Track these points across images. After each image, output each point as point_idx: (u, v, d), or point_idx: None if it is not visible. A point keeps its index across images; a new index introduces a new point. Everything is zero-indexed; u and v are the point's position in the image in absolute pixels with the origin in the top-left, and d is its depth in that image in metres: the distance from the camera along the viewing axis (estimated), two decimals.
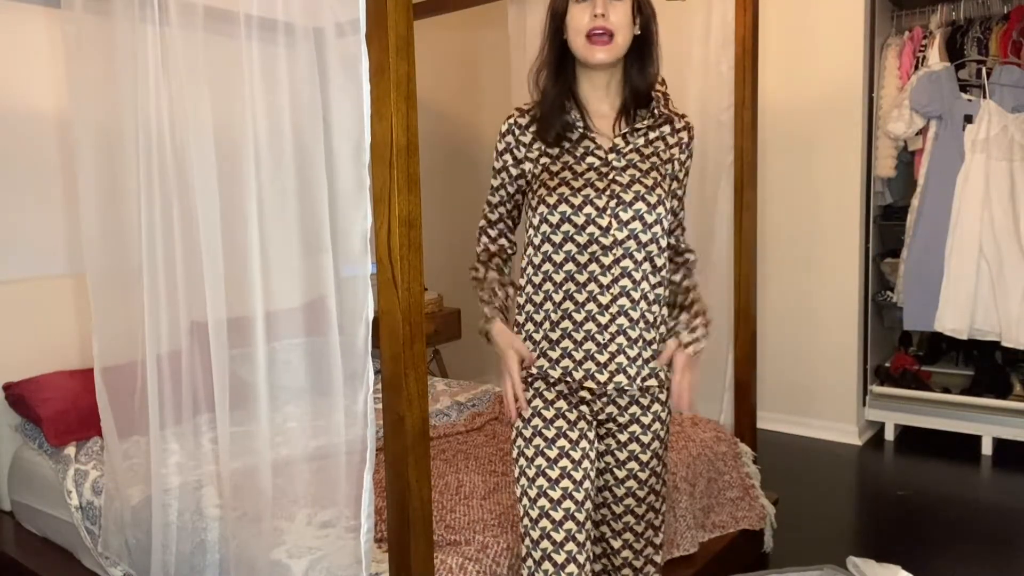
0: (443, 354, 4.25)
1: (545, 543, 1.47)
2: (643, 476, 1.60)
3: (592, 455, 1.52)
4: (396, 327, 1.40)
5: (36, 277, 2.79)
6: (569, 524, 1.47)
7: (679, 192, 1.65)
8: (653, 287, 1.53)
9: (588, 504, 1.49)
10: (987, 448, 3.66)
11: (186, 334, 2.06)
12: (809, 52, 3.82)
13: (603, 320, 1.50)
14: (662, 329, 1.58)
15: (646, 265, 1.51)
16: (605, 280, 1.49)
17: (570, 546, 1.46)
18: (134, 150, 2.05)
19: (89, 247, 2.17)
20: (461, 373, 4.48)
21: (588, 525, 1.50)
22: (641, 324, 1.52)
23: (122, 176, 2.13)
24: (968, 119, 3.54)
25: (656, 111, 1.59)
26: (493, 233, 1.67)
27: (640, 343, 1.52)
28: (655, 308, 1.55)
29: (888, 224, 4.03)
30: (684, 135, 1.63)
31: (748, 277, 2.67)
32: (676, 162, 1.61)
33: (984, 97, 3.53)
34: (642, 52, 1.55)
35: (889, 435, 3.94)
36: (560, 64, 1.55)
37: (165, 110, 1.97)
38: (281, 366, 1.84)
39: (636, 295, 1.50)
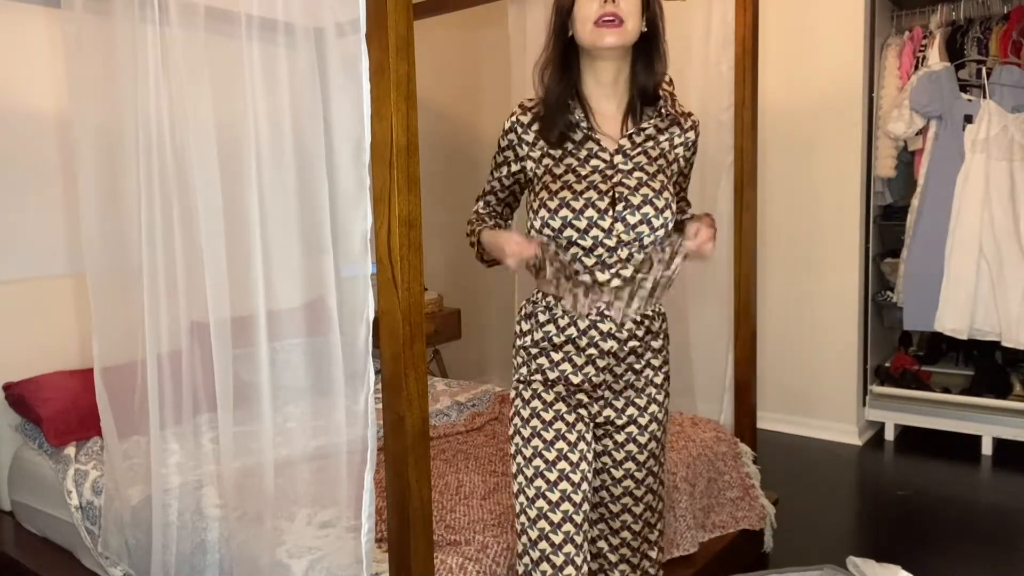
0: (443, 354, 4.25)
1: (543, 544, 1.47)
2: (640, 475, 1.61)
3: (589, 457, 1.52)
4: (396, 327, 1.40)
5: (36, 277, 2.79)
6: (567, 527, 1.46)
7: (684, 183, 1.67)
8: None
9: (586, 506, 1.49)
10: (987, 448, 3.66)
11: (186, 334, 2.06)
12: (809, 52, 3.82)
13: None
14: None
15: None
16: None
17: (568, 548, 1.46)
18: (134, 150, 2.05)
19: (89, 247, 2.17)
20: (461, 373, 4.48)
21: (586, 527, 1.50)
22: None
23: (122, 176, 2.13)
24: (968, 119, 3.54)
25: (664, 111, 1.57)
26: (490, 221, 1.67)
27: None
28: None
29: (888, 224, 4.03)
30: (691, 134, 1.62)
31: (748, 277, 2.67)
32: (682, 160, 1.61)
33: (984, 97, 3.53)
34: (649, 49, 1.52)
35: (889, 435, 3.94)
36: (565, 60, 1.52)
37: (165, 110, 1.97)
38: (281, 366, 1.84)
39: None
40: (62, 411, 2.51)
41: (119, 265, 2.16)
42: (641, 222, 1.47)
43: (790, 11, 3.84)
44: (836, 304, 3.90)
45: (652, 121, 1.56)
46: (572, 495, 1.47)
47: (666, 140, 1.57)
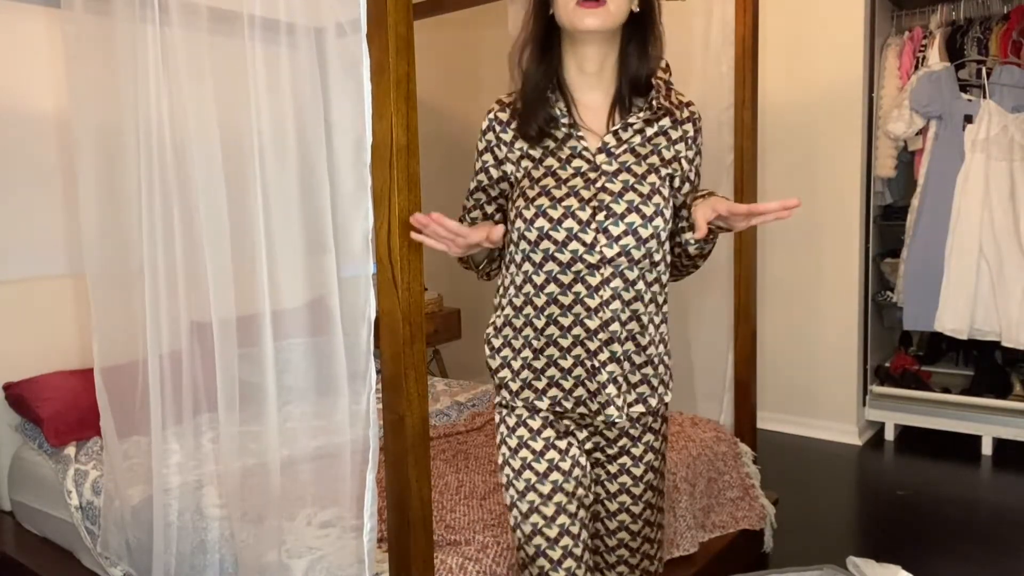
0: (443, 354, 4.25)
1: None
2: (636, 510, 1.46)
3: (586, 482, 1.42)
4: (396, 327, 1.40)
5: (36, 277, 2.78)
6: (569, 562, 1.38)
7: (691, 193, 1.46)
8: (647, 306, 1.36)
9: (585, 535, 1.41)
10: (987, 448, 3.66)
11: (186, 334, 2.06)
12: (809, 52, 3.82)
13: (592, 346, 1.34)
14: (660, 350, 1.41)
15: (640, 285, 1.34)
16: (593, 303, 1.32)
17: None
18: (134, 150, 2.05)
19: (89, 247, 2.17)
20: (461, 373, 4.48)
21: (587, 557, 1.41)
22: (632, 349, 1.36)
23: (122, 176, 2.13)
24: (968, 119, 3.54)
25: (655, 103, 1.37)
26: None
27: (632, 370, 1.37)
28: (650, 330, 1.38)
29: (888, 224, 4.03)
30: (689, 127, 1.40)
31: (748, 277, 2.67)
32: (684, 161, 1.39)
33: (984, 97, 3.53)
34: (642, 31, 1.35)
35: (889, 435, 3.94)
36: (546, 43, 1.35)
37: (165, 110, 1.97)
38: (283, 366, 1.84)
39: (624, 316, 1.34)
40: (62, 411, 2.51)
41: (119, 265, 2.16)
42: (626, 233, 1.30)
43: (790, 11, 3.84)
44: (836, 304, 3.90)
45: (641, 114, 1.37)
46: (571, 528, 1.38)
47: (659, 134, 1.37)
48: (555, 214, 1.31)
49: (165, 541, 2.05)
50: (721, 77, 2.71)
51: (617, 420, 1.37)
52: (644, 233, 1.31)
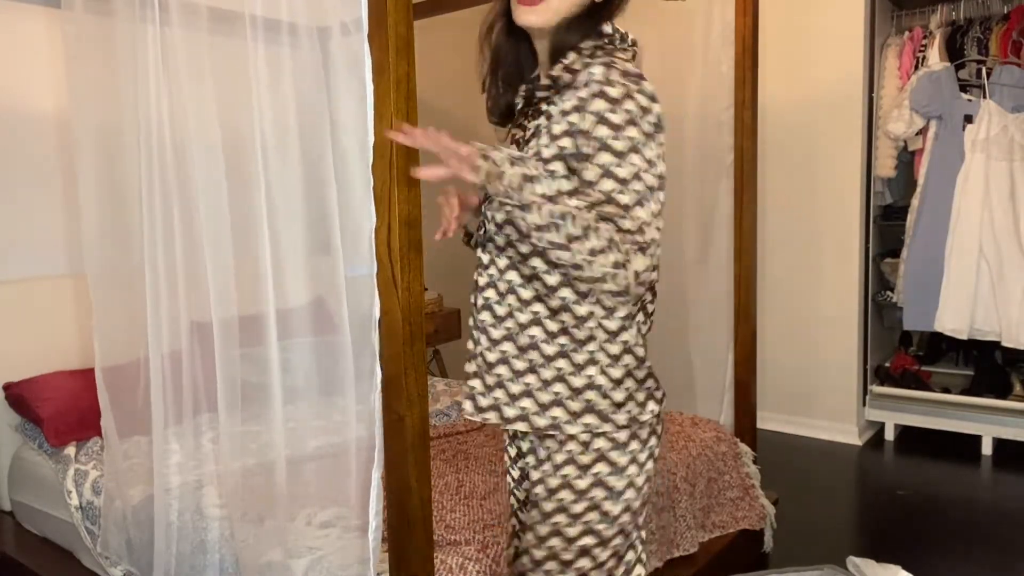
0: (443, 354, 4.25)
1: None
2: (539, 554, 1.28)
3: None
4: (396, 327, 1.40)
5: (36, 277, 2.79)
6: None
7: (590, 177, 1.13)
8: (503, 296, 1.25)
9: None
10: (987, 448, 3.66)
11: (186, 334, 2.06)
12: (809, 52, 3.82)
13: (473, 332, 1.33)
14: (561, 365, 1.21)
15: (492, 270, 1.28)
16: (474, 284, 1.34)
17: None
18: (134, 150, 2.05)
19: (89, 247, 2.17)
20: (461, 373, 4.48)
21: None
22: (485, 344, 1.27)
23: (122, 176, 2.13)
24: (968, 119, 3.54)
25: (550, 76, 1.21)
26: None
27: (513, 378, 1.24)
28: (507, 324, 1.24)
29: (888, 224, 4.03)
30: (584, 92, 1.12)
31: (748, 277, 2.67)
32: (579, 136, 1.13)
33: (984, 97, 3.53)
34: (597, 20, 1.22)
35: (889, 435, 3.94)
36: (511, 24, 1.27)
37: (166, 110, 1.97)
38: (286, 365, 1.84)
39: (479, 302, 1.29)
40: (62, 411, 2.51)
41: (119, 265, 2.16)
42: (488, 218, 1.28)
43: (790, 11, 3.84)
44: (836, 304, 3.90)
45: (539, 93, 1.24)
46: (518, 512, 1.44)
47: (552, 111, 1.20)
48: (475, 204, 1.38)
49: (166, 541, 2.05)
50: (721, 77, 2.70)
51: (469, 416, 1.28)
52: (500, 217, 1.24)
